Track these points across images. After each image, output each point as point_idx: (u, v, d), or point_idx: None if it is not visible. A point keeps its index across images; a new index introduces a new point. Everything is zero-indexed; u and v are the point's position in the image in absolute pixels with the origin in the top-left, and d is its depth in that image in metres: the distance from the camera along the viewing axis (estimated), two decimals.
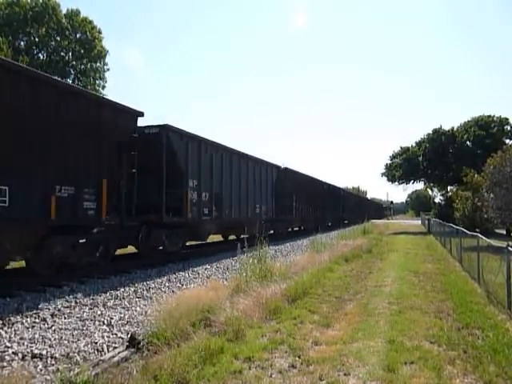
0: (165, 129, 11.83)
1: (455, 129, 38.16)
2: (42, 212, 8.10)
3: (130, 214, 10.35)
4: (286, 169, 23.07)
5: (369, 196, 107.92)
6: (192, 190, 12.98)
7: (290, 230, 24.77)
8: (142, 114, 10.86)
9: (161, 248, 12.43)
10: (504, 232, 26.53)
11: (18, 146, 7.64)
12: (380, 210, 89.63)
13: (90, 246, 9.56)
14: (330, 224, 33.87)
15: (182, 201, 12.45)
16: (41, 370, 4.38)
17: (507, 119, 36.73)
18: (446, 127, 38.60)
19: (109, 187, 9.56)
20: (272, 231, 20.39)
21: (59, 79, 10.30)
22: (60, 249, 8.81)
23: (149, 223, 11.42)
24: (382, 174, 42.53)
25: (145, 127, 11.67)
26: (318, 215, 29.69)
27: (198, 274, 10.63)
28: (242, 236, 16.84)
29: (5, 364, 4.49)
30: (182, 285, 9.17)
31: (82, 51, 37.91)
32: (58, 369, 4.29)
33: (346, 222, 39.41)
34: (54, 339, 5.33)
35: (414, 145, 40.15)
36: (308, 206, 27.07)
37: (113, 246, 10.50)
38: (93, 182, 9.28)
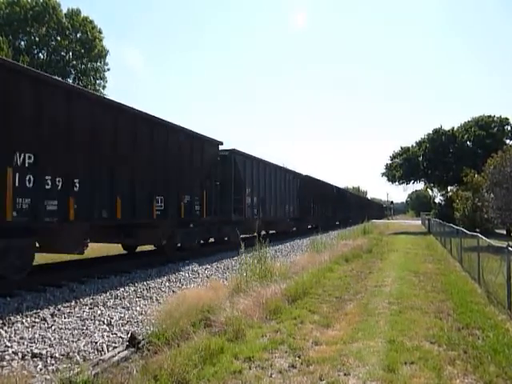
0: (233, 152, 16.38)
1: (455, 129, 38.14)
2: (177, 212, 12.41)
3: (216, 214, 14.69)
4: (306, 176, 27.67)
5: (369, 196, 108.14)
6: (248, 195, 17.36)
7: (309, 227, 28.49)
8: (222, 143, 15.33)
9: (226, 239, 16.70)
10: (504, 232, 26.52)
11: (169, 175, 12.00)
12: (380, 210, 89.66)
13: (193, 235, 13.84)
14: (338, 223, 36.65)
15: (242, 204, 16.76)
16: (41, 370, 4.37)
17: (507, 119, 36.75)
18: (447, 127, 38.63)
19: (206, 196, 13.89)
20: (295, 228, 24.97)
21: (190, 129, 13.37)
22: (181, 236, 12.95)
23: (221, 221, 15.39)
24: (382, 174, 42.54)
25: (219, 151, 15.47)
26: (329, 215, 33.58)
27: (198, 273, 10.63)
28: (273, 231, 22.09)
29: (5, 363, 4.49)
30: (182, 285, 9.17)
31: (83, 51, 37.95)
32: (57, 368, 4.29)
33: (350, 221, 40.69)
34: (54, 339, 5.33)
35: (414, 145, 40.14)
36: (321, 207, 30.96)
37: (203, 236, 15.01)
38: (199, 192, 13.56)
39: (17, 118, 7.58)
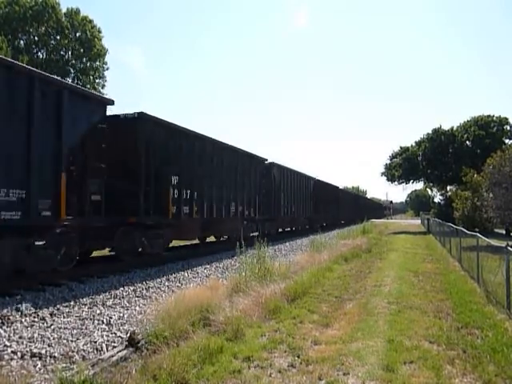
0: (272, 165, 20.89)
1: (455, 128, 38.11)
2: (241, 213, 16.65)
3: (263, 214, 19.01)
4: (317, 180, 30.91)
5: (368, 195, 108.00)
6: (282, 199, 21.72)
7: (318, 225, 31.21)
8: (266, 160, 19.89)
9: (266, 232, 19.37)
10: (503, 232, 26.55)
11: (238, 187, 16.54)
12: (379, 209, 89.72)
13: (251, 228, 18.10)
14: (343, 222, 39.19)
15: (279, 205, 21.22)
16: (40, 369, 4.37)
17: (507, 119, 36.72)
18: (446, 127, 38.61)
19: (257, 201, 18.30)
20: (307, 226, 27.87)
21: (248, 151, 17.74)
22: (246, 228, 16.82)
23: (265, 219, 19.58)
24: (382, 174, 42.53)
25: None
26: (335, 214, 36.96)
27: (198, 273, 10.63)
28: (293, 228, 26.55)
29: (4, 363, 4.48)
30: (182, 284, 9.17)
31: (82, 50, 37.87)
32: (56, 368, 4.28)
33: (353, 220, 41.19)
34: (53, 338, 5.33)
35: (413, 144, 40.12)
36: (329, 207, 34.19)
37: (256, 229, 18.57)
38: (254, 198, 18.05)
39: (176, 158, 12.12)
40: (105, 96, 10.15)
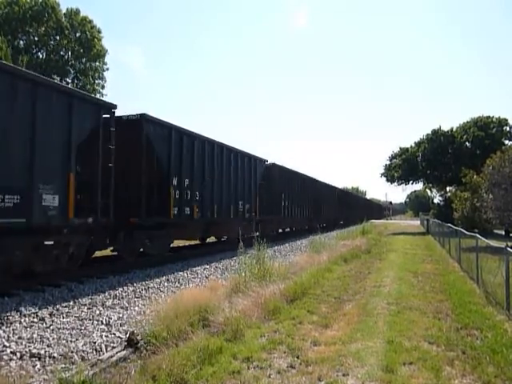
0: (273, 165, 20.94)
1: (454, 129, 38.10)
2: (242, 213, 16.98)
3: (264, 214, 19.18)
4: (317, 181, 31.05)
5: (368, 196, 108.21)
6: (283, 199, 21.95)
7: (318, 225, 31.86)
8: (267, 161, 19.98)
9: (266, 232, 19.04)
10: (503, 232, 26.56)
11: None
12: (379, 210, 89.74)
13: (252, 229, 17.34)
14: (342, 222, 39.12)
15: (280, 206, 21.48)
16: (39, 370, 4.37)
17: (506, 120, 36.71)
18: (445, 128, 38.62)
19: (258, 202, 18.45)
20: (307, 227, 28.06)
21: (251, 153, 17.96)
22: (246, 229, 16.16)
23: (265, 220, 19.49)
24: (382, 175, 42.54)
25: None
26: (334, 215, 37.02)
27: (197, 273, 10.62)
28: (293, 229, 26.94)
29: (3, 363, 4.48)
30: (181, 285, 9.16)
31: (82, 50, 37.86)
32: (56, 368, 4.27)
33: (352, 220, 41.66)
34: (53, 339, 5.32)
35: (413, 145, 40.11)
36: (328, 207, 34.31)
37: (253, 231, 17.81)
38: (255, 198, 18.20)
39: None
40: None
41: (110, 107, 9.88)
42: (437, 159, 36.93)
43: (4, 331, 5.55)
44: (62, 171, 8.38)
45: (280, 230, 24.29)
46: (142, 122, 10.84)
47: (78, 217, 8.64)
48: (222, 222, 15.45)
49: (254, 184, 18.09)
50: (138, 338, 5.06)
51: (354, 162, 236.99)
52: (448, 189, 40.33)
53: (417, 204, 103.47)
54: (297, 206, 24.85)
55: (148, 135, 11.00)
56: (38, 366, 4.47)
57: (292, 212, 23.87)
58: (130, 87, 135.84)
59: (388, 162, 42.09)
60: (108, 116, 9.71)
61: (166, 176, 11.72)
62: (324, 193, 33.05)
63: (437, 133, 38.19)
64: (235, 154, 16.24)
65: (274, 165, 20.98)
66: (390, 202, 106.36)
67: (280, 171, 21.73)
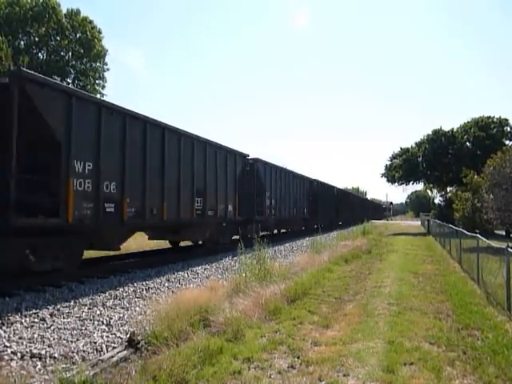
0: (256, 161, 18.92)
1: (455, 130, 38.07)
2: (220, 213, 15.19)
3: (244, 214, 17.26)
4: (314, 180, 30.33)
5: (369, 196, 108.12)
6: (267, 198, 19.92)
7: (315, 226, 30.31)
8: (248, 155, 18.24)
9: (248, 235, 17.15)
10: (503, 233, 26.55)
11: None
12: (380, 210, 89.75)
13: (230, 231, 16.36)
14: (340, 223, 38.79)
15: (263, 205, 19.36)
16: (40, 370, 4.37)
17: (507, 120, 36.70)
18: (446, 128, 38.57)
19: (237, 201, 16.55)
20: (304, 228, 27.90)
21: (227, 146, 15.85)
22: (223, 232, 15.62)
23: (245, 220, 17.47)
24: (382, 175, 42.50)
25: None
26: (333, 216, 36.21)
27: (198, 274, 10.63)
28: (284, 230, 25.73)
29: (4, 363, 4.48)
30: (182, 285, 9.16)
31: (82, 51, 37.91)
32: (57, 368, 4.28)
33: (351, 221, 41.70)
34: (53, 339, 5.32)
35: (413, 145, 40.07)
36: (326, 208, 33.52)
37: (233, 233, 16.60)
38: (233, 197, 16.25)
39: None
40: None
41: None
42: (437, 159, 36.90)
43: (5, 331, 5.55)
44: None
45: (263, 233, 20.75)
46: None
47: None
48: (188, 224, 13.14)
49: (231, 181, 15.92)
50: (139, 338, 5.06)
51: (355, 162, 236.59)
52: (449, 189, 40.31)
53: (417, 204, 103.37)
54: (287, 205, 23.07)
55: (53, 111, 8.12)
56: (39, 366, 4.48)
57: (280, 212, 21.85)
58: (130, 87, 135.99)
59: (388, 163, 42.06)
60: None
61: None
62: (321, 192, 31.94)
63: (437, 133, 38.15)
64: (205, 145, 13.81)
65: (256, 160, 18.92)
66: (391, 203, 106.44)
67: (264, 167, 19.68)
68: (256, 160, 18.93)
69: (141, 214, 10.37)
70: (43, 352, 4.83)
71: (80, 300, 7.38)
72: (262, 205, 19.27)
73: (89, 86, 37.66)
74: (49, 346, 5.05)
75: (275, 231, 24.12)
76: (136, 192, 10.24)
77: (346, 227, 33.21)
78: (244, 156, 17.66)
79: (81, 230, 9.04)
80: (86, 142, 8.81)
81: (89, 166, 8.80)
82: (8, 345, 5.04)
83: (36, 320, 6.15)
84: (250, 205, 17.92)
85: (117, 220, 9.62)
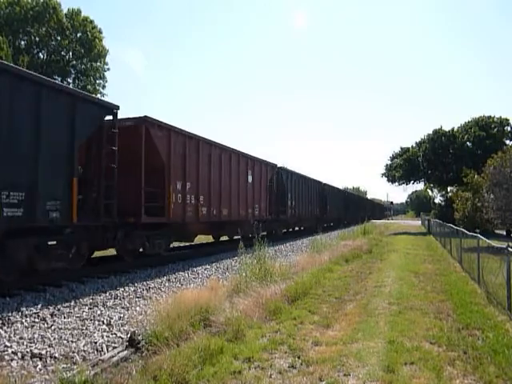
0: (280, 169, 22.04)
1: (455, 129, 38.06)
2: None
3: (273, 214, 20.62)
4: (324, 183, 32.98)
5: (369, 196, 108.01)
6: (289, 200, 22.86)
7: (324, 225, 33.00)
8: (276, 165, 21.32)
9: (273, 232, 21.24)
10: (504, 233, 26.54)
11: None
12: (380, 210, 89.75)
13: (261, 228, 17.28)
14: (345, 222, 40.32)
15: (285, 206, 22.29)
16: (40, 370, 4.37)
17: (507, 120, 36.68)
18: (447, 128, 38.56)
19: (267, 203, 19.53)
20: (316, 225, 28.53)
21: (264, 160, 19.40)
22: (255, 229, 15.79)
23: (272, 220, 20.54)
24: (382, 175, 42.53)
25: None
26: (340, 215, 38.96)
27: (198, 274, 10.63)
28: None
29: (4, 363, 4.48)
30: (182, 285, 9.16)
31: (83, 51, 37.95)
32: (57, 368, 4.28)
33: (356, 220, 42.08)
34: (54, 339, 5.33)
35: (414, 145, 40.09)
36: (335, 208, 36.10)
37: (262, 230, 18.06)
38: (265, 200, 19.36)
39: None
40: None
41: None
42: (438, 159, 36.89)
43: (5, 331, 5.55)
44: None
45: (285, 230, 24.60)
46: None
47: None
48: (232, 222, 15.97)
49: (264, 187, 19.18)
50: (139, 338, 5.07)
51: (355, 161, 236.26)
52: (449, 189, 40.34)
53: (418, 204, 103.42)
54: (303, 206, 25.71)
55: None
56: (40, 366, 4.48)
57: (298, 211, 24.59)
58: (130, 88, 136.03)
59: (389, 162, 42.10)
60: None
61: None
62: (331, 194, 34.94)
63: (438, 133, 38.14)
64: (248, 160, 17.38)
65: (280, 168, 22.10)
66: (391, 202, 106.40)
67: (286, 173, 22.91)
68: (281, 168, 22.30)
69: (209, 215, 13.92)
70: (44, 352, 4.83)
71: (80, 300, 7.39)
72: (284, 205, 22.14)
73: (89, 86, 37.70)
74: (49, 346, 5.05)
75: (295, 228, 27.52)
76: (205, 200, 13.67)
77: (348, 226, 34.31)
78: (273, 166, 20.87)
79: (175, 225, 12.43)
80: (179, 166, 12.25)
81: (179, 184, 12.17)
82: (8, 345, 5.04)
83: (36, 320, 6.15)
84: (276, 206, 20.94)
85: (195, 219, 13.12)
